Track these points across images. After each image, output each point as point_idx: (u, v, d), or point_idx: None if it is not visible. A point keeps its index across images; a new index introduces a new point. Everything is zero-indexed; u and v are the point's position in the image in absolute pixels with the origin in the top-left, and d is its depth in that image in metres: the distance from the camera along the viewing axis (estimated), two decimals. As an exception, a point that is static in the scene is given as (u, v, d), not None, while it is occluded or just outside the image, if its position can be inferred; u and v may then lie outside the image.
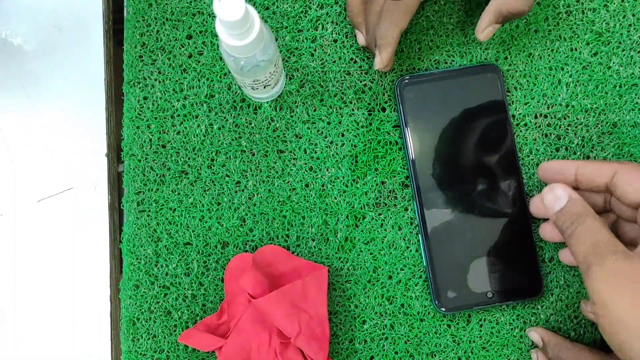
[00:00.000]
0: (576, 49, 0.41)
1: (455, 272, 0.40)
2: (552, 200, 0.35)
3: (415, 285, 0.41)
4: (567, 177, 0.36)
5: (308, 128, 0.41)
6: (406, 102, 0.40)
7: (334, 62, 0.42)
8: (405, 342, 0.40)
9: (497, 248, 0.40)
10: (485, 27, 0.38)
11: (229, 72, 0.41)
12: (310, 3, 0.42)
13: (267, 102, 0.42)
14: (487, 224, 0.40)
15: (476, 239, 0.40)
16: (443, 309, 0.39)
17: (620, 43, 0.41)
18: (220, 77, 0.42)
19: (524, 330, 0.41)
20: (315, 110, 0.42)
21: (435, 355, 0.40)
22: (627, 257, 0.30)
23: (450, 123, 0.40)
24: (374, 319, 0.41)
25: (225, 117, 0.42)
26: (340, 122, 0.41)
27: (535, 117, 0.41)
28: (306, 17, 0.42)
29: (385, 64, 0.38)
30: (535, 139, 0.41)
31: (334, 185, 0.41)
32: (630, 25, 0.41)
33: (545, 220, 0.39)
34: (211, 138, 0.41)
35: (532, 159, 0.41)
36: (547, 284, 0.40)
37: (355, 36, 0.41)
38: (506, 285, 0.40)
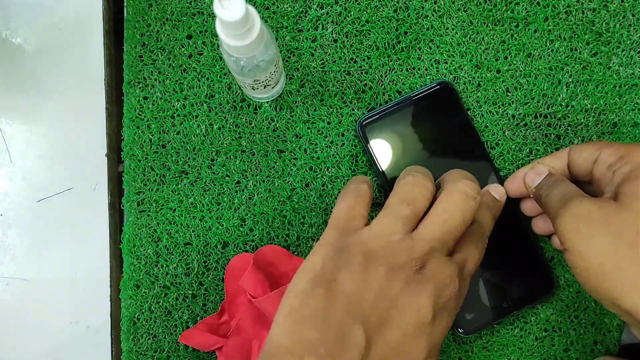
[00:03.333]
0: (576, 49, 0.41)
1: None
2: (532, 176, 0.36)
3: (416, 285, 0.41)
4: (559, 170, 0.37)
5: (308, 128, 0.41)
6: (370, 140, 0.40)
7: (334, 62, 0.42)
8: (406, 342, 0.40)
9: (501, 257, 0.39)
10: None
11: (229, 72, 0.41)
12: (310, 3, 0.42)
13: (267, 102, 0.42)
14: None
15: None
16: (462, 332, 0.39)
17: (620, 43, 0.41)
18: (220, 77, 0.42)
19: (525, 330, 0.41)
20: (315, 110, 0.42)
21: (435, 355, 0.40)
22: (595, 201, 0.30)
23: (419, 147, 0.40)
24: (374, 319, 0.41)
25: (225, 117, 0.42)
26: (340, 122, 0.41)
27: (535, 117, 0.41)
28: (306, 17, 0.42)
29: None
30: (535, 139, 0.41)
31: (334, 185, 0.41)
32: (630, 25, 0.41)
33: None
34: (211, 138, 0.41)
35: (532, 159, 0.41)
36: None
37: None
38: (519, 292, 0.39)
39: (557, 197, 0.32)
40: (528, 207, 0.39)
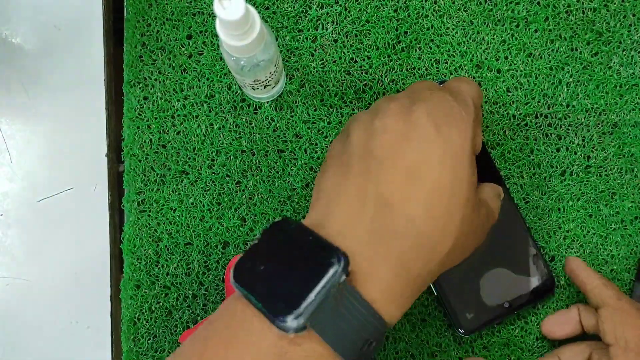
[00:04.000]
0: (577, 49, 0.41)
1: (467, 292, 0.39)
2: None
3: (416, 285, 0.40)
4: (572, 326, 0.38)
5: (308, 128, 0.41)
6: None
7: (334, 62, 0.42)
8: (406, 342, 0.40)
9: (502, 256, 0.39)
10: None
11: (229, 72, 0.41)
12: (310, 3, 0.42)
13: (268, 102, 0.42)
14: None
15: (479, 253, 0.39)
16: (463, 332, 0.39)
17: (620, 43, 0.41)
18: (221, 77, 0.42)
19: (525, 330, 0.41)
20: (315, 110, 0.42)
21: (436, 356, 0.40)
22: None
23: None
24: (374, 319, 0.41)
25: (225, 117, 0.42)
26: (340, 122, 0.41)
27: (536, 117, 0.41)
28: (306, 17, 0.42)
29: None
30: (535, 139, 0.41)
31: (334, 185, 0.41)
32: (630, 25, 0.41)
33: None
34: (211, 138, 0.41)
35: (533, 159, 0.41)
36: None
37: None
38: (519, 291, 0.39)
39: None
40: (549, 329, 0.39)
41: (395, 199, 0.27)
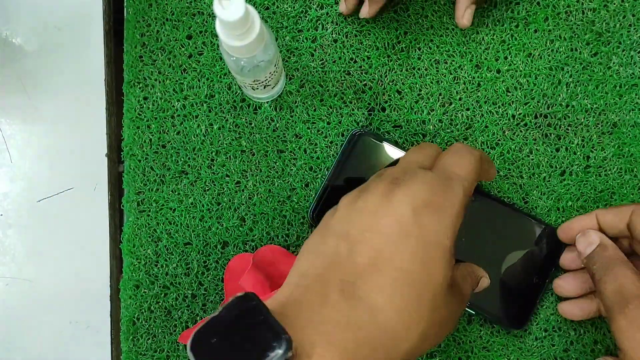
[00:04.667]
0: (576, 49, 0.41)
1: (498, 294, 0.39)
2: (584, 245, 0.36)
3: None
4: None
5: (308, 128, 0.41)
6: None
7: (334, 62, 0.42)
8: (405, 342, 0.40)
9: (503, 245, 0.40)
10: (464, 11, 0.38)
11: (229, 72, 0.41)
12: (310, 3, 0.42)
13: (267, 102, 0.42)
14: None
15: (486, 262, 0.38)
16: (521, 328, 0.40)
17: (620, 43, 0.41)
18: (220, 77, 0.42)
19: (525, 330, 0.41)
20: (315, 110, 0.42)
21: (435, 356, 0.40)
22: None
23: None
24: (374, 319, 0.41)
25: (225, 117, 0.42)
26: (340, 122, 0.41)
27: (536, 117, 0.41)
28: (306, 17, 0.42)
29: (370, 16, 0.40)
30: (535, 139, 0.41)
31: (334, 185, 0.41)
32: (630, 25, 0.41)
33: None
34: (211, 138, 0.41)
35: (532, 159, 0.41)
36: (547, 284, 0.40)
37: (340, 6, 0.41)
38: (537, 259, 0.39)
39: (612, 290, 0.32)
40: (567, 261, 0.39)
41: (360, 287, 0.26)
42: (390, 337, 0.26)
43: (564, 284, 0.39)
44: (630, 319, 0.30)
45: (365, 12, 0.39)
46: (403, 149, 0.40)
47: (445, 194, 0.28)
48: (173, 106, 0.42)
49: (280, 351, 0.23)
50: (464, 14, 0.39)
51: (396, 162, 0.39)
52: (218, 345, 0.24)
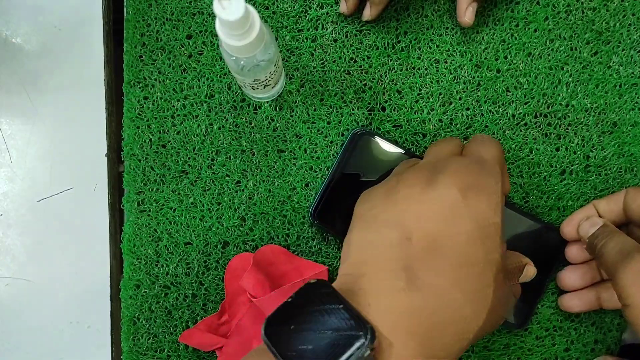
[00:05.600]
0: (576, 48, 0.41)
1: None
2: (587, 227, 0.36)
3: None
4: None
5: (308, 127, 0.41)
6: (331, 223, 0.40)
7: (334, 61, 0.42)
8: (406, 342, 0.40)
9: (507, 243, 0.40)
10: (465, 9, 0.38)
11: (229, 72, 0.41)
12: (310, 3, 0.42)
13: (267, 102, 0.42)
14: None
15: None
16: (520, 324, 0.39)
17: (620, 42, 0.41)
18: (220, 76, 0.42)
19: (526, 329, 0.41)
20: (315, 109, 0.42)
21: (435, 355, 0.40)
22: None
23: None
24: (374, 319, 0.41)
25: (225, 117, 0.42)
26: (340, 122, 0.41)
27: (535, 116, 0.41)
28: (306, 16, 0.42)
29: (373, 18, 0.40)
30: (535, 139, 0.41)
31: (334, 185, 0.41)
32: (630, 24, 0.41)
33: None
34: (211, 138, 0.41)
35: (532, 159, 0.41)
36: (547, 283, 0.40)
37: (340, 4, 0.41)
38: (539, 257, 0.39)
39: (614, 250, 0.32)
40: (573, 253, 0.39)
41: (423, 272, 0.26)
42: (458, 318, 0.26)
43: (566, 275, 0.39)
44: (635, 269, 0.30)
45: (368, 14, 0.40)
46: (404, 148, 0.40)
47: (485, 175, 0.29)
48: (173, 106, 0.42)
49: (365, 341, 0.23)
50: (466, 12, 0.39)
51: (412, 156, 0.39)
52: (297, 333, 0.24)
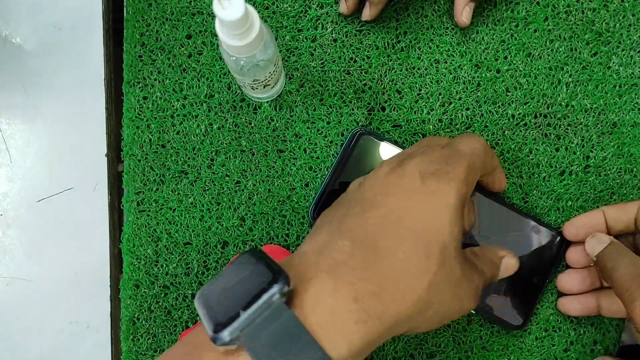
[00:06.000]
0: (576, 49, 0.41)
1: (499, 294, 0.39)
2: (594, 244, 0.36)
3: (415, 285, 0.40)
4: (597, 228, 0.38)
5: (308, 127, 0.41)
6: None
7: (334, 61, 0.42)
8: (405, 343, 0.40)
9: (509, 246, 0.39)
10: (462, 9, 0.38)
11: (229, 71, 0.41)
12: (310, 3, 0.42)
13: (267, 102, 0.42)
14: None
15: None
16: (521, 325, 0.39)
17: (620, 43, 0.41)
18: (220, 76, 0.42)
19: (525, 330, 0.41)
20: (315, 109, 0.42)
21: (435, 356, 0.40)
22: None
23: None
24: (373, 319, 0.41)
25: (225, 117, 0.42)
26: (340, 122, 0.41)
27: (535, 116, 0.41)
28: (306, 16, 0.42)
29: (372, 18, 0.40)
30: (535, 139, 0.41)
31: (333, 185, 0.41)
32: (630, 25, 0.41)
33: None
34: (211, 138, 0.41)
35: (532, 159, 0.41)
36: (547, 284, 0.40)
37: (339, 4, 0.41)
38: (540, 261, 0.39)
39: (628, 274, 0.32)
40: (574, 257, 0.39)
41: (370, 236, 0.28)
42: (398, 282, 0.27)
43: (566, 278, 0.39)
44: None
45: (367, 14, 0.40)
46: (403, 148, 0.40)
47: (452, 163, 0.31)
48: (173, 106, 0.42)
49: (276, 287, 0.24)
50: (463, 12, 0.39)
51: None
52: (222, 292, 0.25)
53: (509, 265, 0.34)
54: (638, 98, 0.41)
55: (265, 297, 0.24)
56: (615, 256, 0.34)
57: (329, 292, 0.26)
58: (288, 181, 0.41)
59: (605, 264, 0.34)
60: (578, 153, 0.41)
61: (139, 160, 0.41)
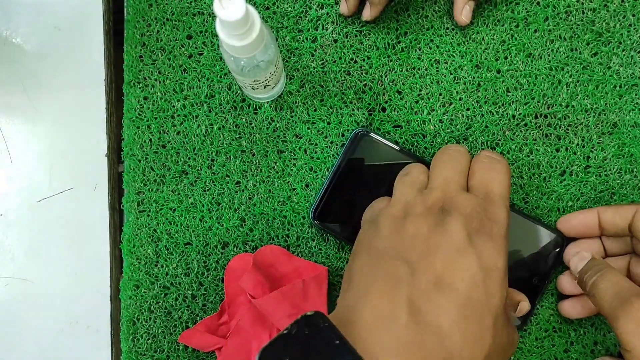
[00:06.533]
0: (576, 49, 0.41)
1: None
2: (577, 261, 0.36)
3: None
4: (590, 227, 0.38)
5: (308, 128, 0.41)
6: (333, 224, 0.40)
7: (334, 62, 0.42)
8: (406, 342, 0.40)
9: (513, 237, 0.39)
10: (462, 8, 0.38)
11: (229, 72, 0.41)
12: (311, 3, 0.42)
13: (267, 102, 0.42)
14: None
15: None
16: (519, 325, 0.39)
17: (620, 43, 0.41)
18: (221, 77, 0.42)
19: (525, 330, 0.41)
20: (315, 110, 0.42)
21: (435, 356, 0.40)
22: None
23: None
24: (374, 319, 0.41)
25: (225, 117, 0.42)
26: (340, 122, 0.41)
27: (536, 117, 0.41)
28: (306, 17, 0.42)
29: (372, 18, 0.40)
30: (535, 139, 0.41)
31: (334, 186, 0.41)
32: (630, 25, 0.41)
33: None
34: (211, 138, 0.41)
35: (532, 159, 0.41)
36: (547, 285, 0.40)
37: (340, 5, 0.41)
38: (539, 262, 0.39)
39: (609, 292, 0.32)
40: (565, 284, 0.39)
41: (426, 309, 0.27)
42: (455, 359, 0.26)
43: (566, 280, 0.39)
44: (636, 320, 0.30)
45: (367, 14, 0.40)
46: (404, 148, 0.40)
47: (493, 218, 0.30)
48: (173, 106, 0.42)
49: None
50: (463, 11, 0.39)
51: (412, 157, 0.39)
52: None
53: (523, 308, 0.34)
54: (638, 98, 0.41)
55: None
56: (594, 273, 0.34)
57: None
58: (288, 182, 0.41)
59: (586, 281, 0.34)
60: (578, 153, 0.41)
61: (139, 161, 0.41)
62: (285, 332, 0.25)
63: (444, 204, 0.31)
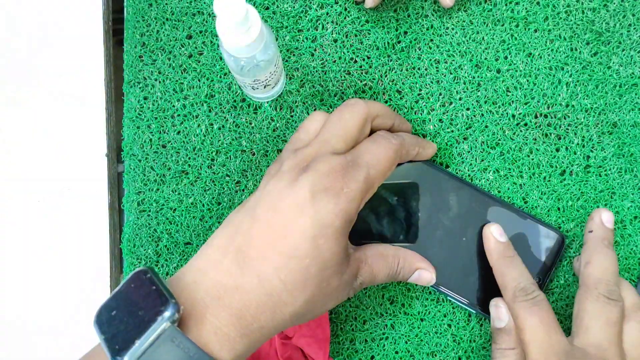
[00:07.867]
0: (576, 49, 0.41)
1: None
2: (495, 315, 0.37)
3: (416, 285, 0.41)
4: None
5: (308, 128, 0.41)
6: None
7: (334, 62, 0.42)
8: (406, 342, 0.40)
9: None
10: None
11: (229, 72, 0.41)
12: (310, 3, 0.42)
13: (268, 102, 0.42)
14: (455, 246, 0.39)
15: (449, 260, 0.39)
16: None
17: (620, 43, 0.41)
18: (221, 77, 0.42)
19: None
20: (315, 110, 0.42)
21: (435, 355, 0.40)
22: None
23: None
24: (374, 319, 0.41)
25: (225, 117, 0.42)
26: (340, 122, 0.41)
27: (535, 116, 0.41)
28: (306, 17, 0.42)
29: (376, 4, 0.40)
30: (535, 139, 0.41)
31: (334, 185, 0.41)
32: (630, 25, 0.41)
33: None
34: (211, 138, 0.41)
35: (532, 159, 0.41)
36: (547, 284, 0.40)
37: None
38: (540, 261, 0.39)
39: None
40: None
41: (253, 256, 0.29)
42: (275, 301, 0.29)
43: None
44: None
45: (371, 1, 0.40)
46: None
47: (347, 180, 0.31)
48: (173, 106, 0.42)
49: (168, 313, 0.27)
50: None
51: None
52: (116, 316, 0.28)
53: (421, 277, 0.37)
54: (638, 98, 0.41)
55: (156, 325, 0.26)
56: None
57: (215, 315, 0.28)
58: (288, 181, 0.41)
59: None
60: (578, 153, 0.41)
61: (140, 160, 0.41)
62: (117, 289, 0.29)
63: (308, 165, 0.32)
